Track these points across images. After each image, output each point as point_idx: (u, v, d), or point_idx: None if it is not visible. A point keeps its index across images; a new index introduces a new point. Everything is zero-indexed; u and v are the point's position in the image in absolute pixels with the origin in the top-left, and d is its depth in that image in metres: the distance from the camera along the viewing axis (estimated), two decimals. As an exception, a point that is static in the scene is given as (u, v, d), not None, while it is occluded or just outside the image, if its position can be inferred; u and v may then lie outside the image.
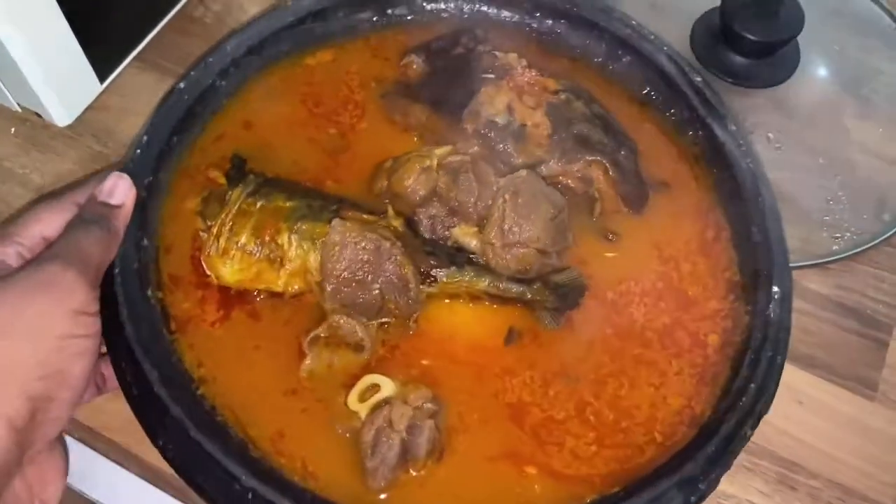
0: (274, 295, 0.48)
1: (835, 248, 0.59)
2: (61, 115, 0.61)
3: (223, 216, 0.48)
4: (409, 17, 0.59)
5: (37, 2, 0.53)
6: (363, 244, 0.46)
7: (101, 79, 0.62)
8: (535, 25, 0.59)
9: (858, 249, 0.58)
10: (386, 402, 0.45)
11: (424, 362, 0.47)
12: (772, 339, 0.46)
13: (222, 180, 0.51)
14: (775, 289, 0.47)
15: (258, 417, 0.45)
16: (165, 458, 0.41)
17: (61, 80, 0.59)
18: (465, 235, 0.49)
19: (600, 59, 0.58)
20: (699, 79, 0.54)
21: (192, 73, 0.52)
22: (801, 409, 0.55)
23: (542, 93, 0.53)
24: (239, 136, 0.54)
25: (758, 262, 0.49)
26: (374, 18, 0.59)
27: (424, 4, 0.59)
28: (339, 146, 0.54)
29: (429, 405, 0.45)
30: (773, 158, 0.58)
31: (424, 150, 0.51)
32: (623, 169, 0.52)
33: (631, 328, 0.49)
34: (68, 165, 0.61)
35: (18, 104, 0.61)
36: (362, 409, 0.45)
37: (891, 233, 0.59)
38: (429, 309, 0.48)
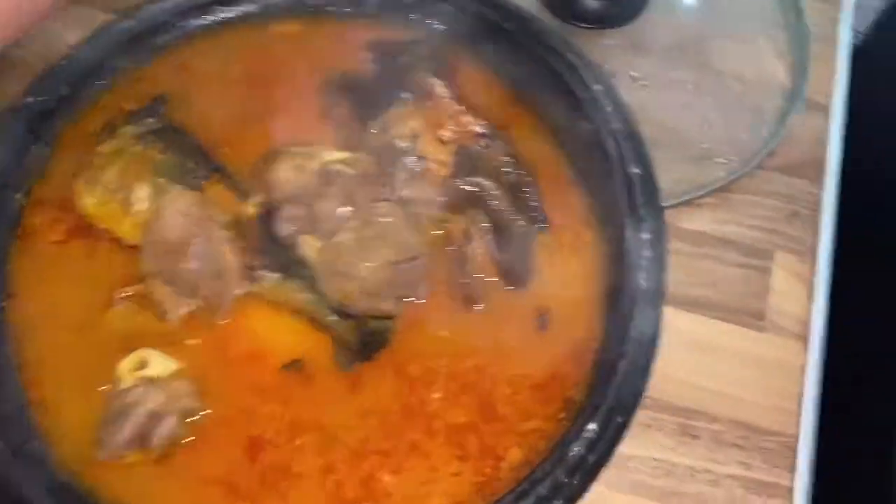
0: (114, 240, 0.48)
1: (720, 174, 0.58)
2: None
3: (104, 147, 0.49)
4: (383, 13, 0.56)
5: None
6: (191, 219, 0.45)
7: None
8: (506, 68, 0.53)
9: (739, 174, 0.58)
10: (150, 380, 0.43)
11: (210, 355, 0.45)
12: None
13: (126, 113, 0.51)
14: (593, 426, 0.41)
15: (37, 340, 0.45)
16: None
17: None
18: (310, 248, 0.46)
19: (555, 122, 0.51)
20: (637, 171, 0.47)
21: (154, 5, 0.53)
22: (693, 353, 0.53)
23: (462, 132, 0.49)
24: (168, 78, 0.53)
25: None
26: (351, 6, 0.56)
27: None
28: (256, 117, 0.52)
29: (185, 400, 0.43)
30: (642, 98, 0.59)
31: (315, 148, 0.49)
32: (509, 239, 0.48)
33: (422, 411, 0.44)
34: None
35: None
36: (126, 379, 0.44)
37: (768, 149, 0.59)
38: (246, 307, 0.46)
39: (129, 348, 0.44)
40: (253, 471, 0.42)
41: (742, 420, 0.52)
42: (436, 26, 0.54)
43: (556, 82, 0.50)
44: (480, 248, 0.47)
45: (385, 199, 0.46)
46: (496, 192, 0.48)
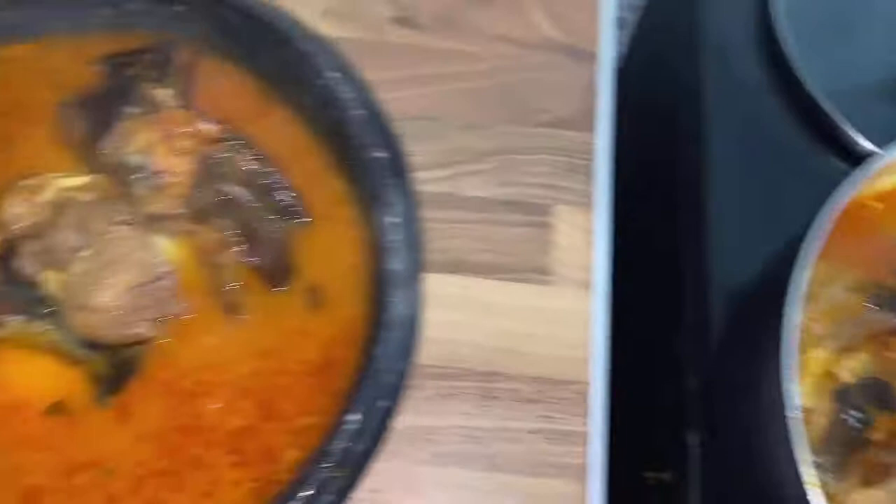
0: None
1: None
2: None
3: None
4: (116, 20, 0.52)
5: None
6: None
7: None
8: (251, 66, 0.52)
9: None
10: None
11: None
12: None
13: None
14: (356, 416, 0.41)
15: None
16: None
17: None
18: (53, 283, 0.44)
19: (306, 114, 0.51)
20: (383, 155, 0.47)
21: None
22: (484, 317, 0.54)
23: (201, 140, 0.47)
24: None
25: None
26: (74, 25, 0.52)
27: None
28: None
29: None
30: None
31: (46, 177, 0.47)
32: (263, 241, 0.47)
33: (199, 424, 0.44)
34: None
35: None
36: None
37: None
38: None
39: None
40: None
41: (538, 375, 0.53)
42: (169, 31, 0.52)
43: (296, 73, 0.50)
44: (232, 256, 0.46)
45: (124, 222, 0.45)
46: (246, 196, 0.47)
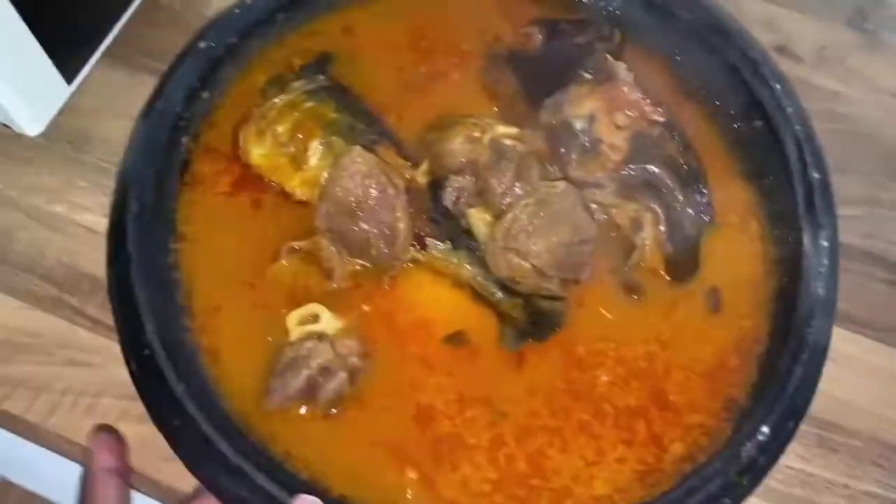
0: (282, 193, 0.48)
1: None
2: (31, 123, 0.56)
3: (275, 100, 0.49)
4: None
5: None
6: (371, 181, 0.45)
7: (69, 80, 0.57)
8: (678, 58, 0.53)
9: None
10: (319, 336, 0.43)
11: (375, 319, 0.45)
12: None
13: (297, 68, 0.52)
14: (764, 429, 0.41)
15: (208, 289, 0.45)
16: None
17: (27, 86, 0.54)
18: (478, 221, 0.47)
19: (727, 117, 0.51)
20: (817, 176, 0.46)
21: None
22: (835, 366, 0.52)
23: (639, 118, 0.48)
24: (334, 38, 0.54)
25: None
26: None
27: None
28: (420, 86, 0.52)
29: (354, 359, 0.43)
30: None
31: (486, 121, 0.49)
32: (679, 232, 0.47)
33: (588, 392, 0.44)
34: (45, 177, 0.56)
35: (-14, 116, 0.56)
36: (294, 332, 0.44)
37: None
38: (410, 273, 0.46)
39: (294, 303, 0.45)
40: (423, 438, 0.42)
41: (882, 439, 0.50)
42: (604, 9, 0.53)
43: (732, 76, 0.49)
44: (650, 238, 0.46)
45: (562, 179, 0.46)
46: (668, 183, 0.47)
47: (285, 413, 0.42)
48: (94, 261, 0.50)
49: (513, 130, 0.48)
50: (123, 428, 0.46)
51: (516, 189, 0.45)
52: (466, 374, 0.44)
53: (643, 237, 0.46)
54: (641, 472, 0.42)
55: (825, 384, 0.51)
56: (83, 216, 0.54)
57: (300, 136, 0.48)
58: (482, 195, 0.46)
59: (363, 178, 0.44)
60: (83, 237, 0.53)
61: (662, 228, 0.46)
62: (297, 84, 0.50)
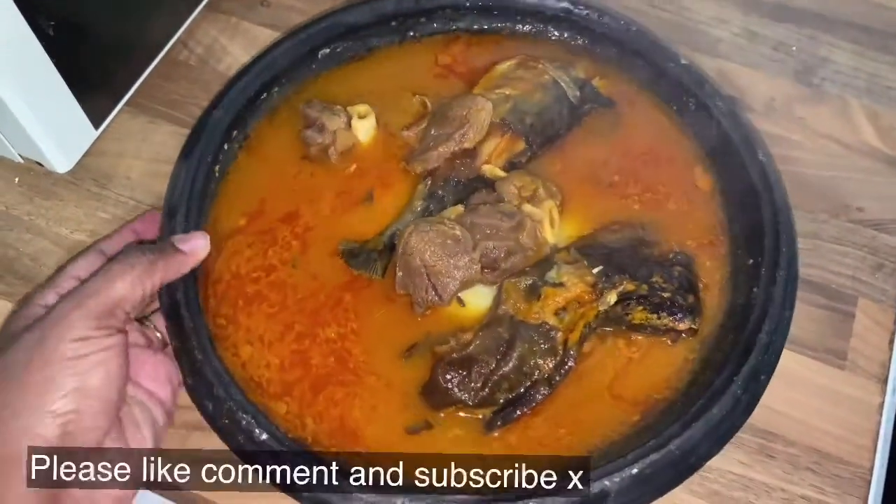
0: None
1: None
2: (61, 162, 0.63)
3: None
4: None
5: (31, 59, 0.56)
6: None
7: (96, 126, 0.64)
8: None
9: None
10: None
11: None
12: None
13: None
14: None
15: None
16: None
17: (59, 129, 0.61)
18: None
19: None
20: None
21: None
22: (778, 383, 0.57)
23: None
24: None
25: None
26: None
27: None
28: None
29: None
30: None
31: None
32: None
33: None
34: (70, 209, 0.64)
35: (20, 155, 0.63)
36: None
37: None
38: None
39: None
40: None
41: (817, 447, 0.55)
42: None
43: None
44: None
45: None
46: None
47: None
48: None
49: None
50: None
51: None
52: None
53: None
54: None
55: (768, 398, 0.56)
56: (102, 244, 0.61)
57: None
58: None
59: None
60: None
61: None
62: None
